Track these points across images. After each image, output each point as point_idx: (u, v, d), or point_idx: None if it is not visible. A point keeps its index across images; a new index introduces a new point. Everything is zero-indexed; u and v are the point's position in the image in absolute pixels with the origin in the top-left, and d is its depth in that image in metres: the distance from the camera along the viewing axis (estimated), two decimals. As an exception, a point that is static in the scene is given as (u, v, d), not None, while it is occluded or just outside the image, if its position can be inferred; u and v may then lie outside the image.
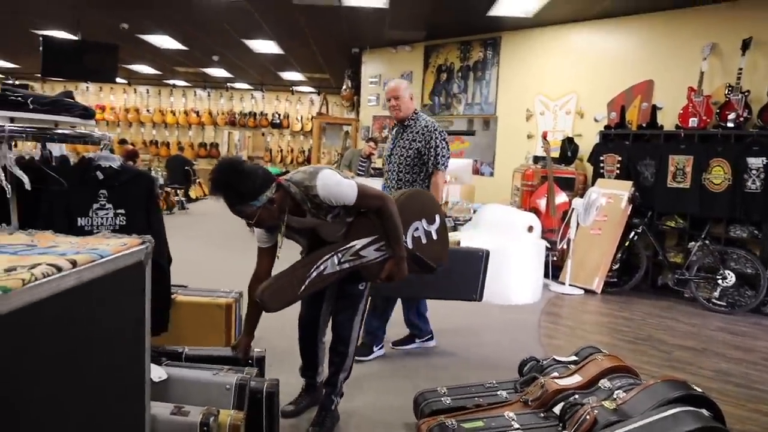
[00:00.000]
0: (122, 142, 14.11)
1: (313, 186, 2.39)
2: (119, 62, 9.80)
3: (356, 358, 3.35)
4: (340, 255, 2.54)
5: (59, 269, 1.23)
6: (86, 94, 16.67)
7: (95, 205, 2.51)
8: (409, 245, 2.84)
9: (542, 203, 6.76)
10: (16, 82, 15.76)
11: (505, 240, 5.49)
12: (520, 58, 8.04)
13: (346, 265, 2.57)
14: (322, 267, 2.50)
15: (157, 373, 2.16)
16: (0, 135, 2.13)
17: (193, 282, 3.85)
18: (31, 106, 2.30)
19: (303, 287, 2.47)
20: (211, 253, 7.36)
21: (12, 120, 2.29)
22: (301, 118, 16.33)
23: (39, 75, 9.88)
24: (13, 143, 2.35)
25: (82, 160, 2.52)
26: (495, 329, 4.75)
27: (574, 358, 2.93)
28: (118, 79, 15.35)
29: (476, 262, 3.96)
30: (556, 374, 2.76)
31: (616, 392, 2.37)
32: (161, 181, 12.00)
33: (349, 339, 2.81)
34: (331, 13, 7.68)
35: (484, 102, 8.48)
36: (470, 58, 8.61)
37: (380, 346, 3.94)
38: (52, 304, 1.20)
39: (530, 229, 5.72)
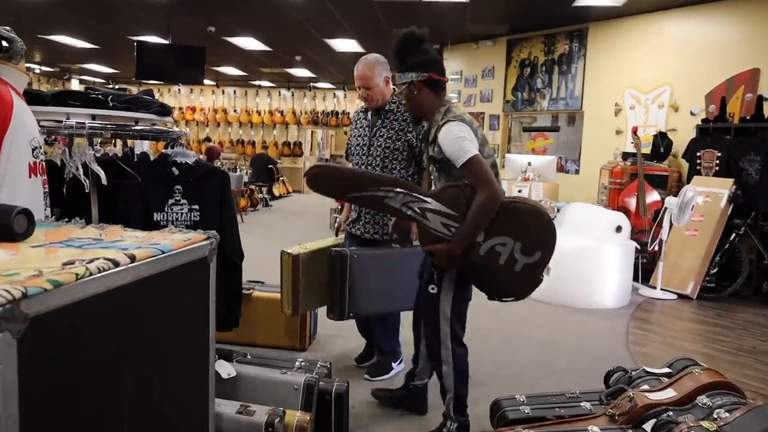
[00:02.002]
0: (207, 140, 14.67)
1: (445, 122, 2.34)
2: (207, 64, 10.15)
3: (373, 378, 3.37)
4: (410, 198, 2.34)
5: (116, 264, 1.20)
6: (178, 96, 17.45)
7: (170, 201, 2.54)
8: (480, 252, 2.38)
9: (632, 202, 6.38)
10: (116, 86, 16.74)
11: (592, 240, 5.22)
12: (609, 50, 7.64)
13: (407, 212, 2.36)
14: (386, 193, 2.34)
15: (226, 370, 2.14)
16: (80, 132, 2.17)
17: (270, 279, 3.86)
18: (110, 104, 2.34)
19: (353, 195, 2.40)
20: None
21: (93, 117, 2.34)
22: (382, 116, 16.33)
23: (134, 78, 10.32)
24: (98, 140, 2.42)
25: (159, 156, 2.56)
26: (578, 334, 4.50)
27: (667, 370, 2.69)
28: (206, 81, 15.97)
29: None
30: (646, 387, 2.54)
31: (716, 411, 2.14)
32: (246, 179, 12.36)
33: (439, 356, 2.55)
34: (411, 8, 7.59)
35: (569, 97, 8.13)
36: (555, 51, 8.28)
37: (399, 360, 3.50)
38: (108, 299, 1.17)
39: (619, 229, 5.40)
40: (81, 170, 2.23)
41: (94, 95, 2.31)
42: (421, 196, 2.36)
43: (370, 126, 3.23)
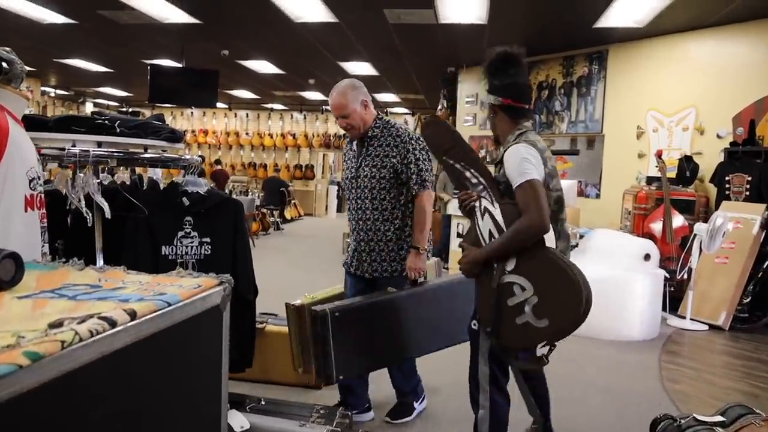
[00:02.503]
0: (217, 162, 14.62)
1: (514, 143, 2.29)
2: (220, 88, 10.09)
3: (395, 420, 3.12)
4: (486, 194, 2.28)
5: (113, 324, 1.02)
6: (191, 119, 17.46)
7: (180, 233, 2.37)
8: (500, 281, 2.19)
9: (657, 228, 6.15)
10: (130, 110, 16.78)
11: (620, 269, 4.98)
12: (630, 72, 7.46)
13: (474, 202, 2.31)
14: (472, 177, 2.35)
15: (239, 422, 1.94)
16: (84, 159, 2.01)
17: (284, 310, 3.66)
18: (118, 130, 2.18)
19: (447, 157, 2.43)
20: (303, 276, 7.26)
21: (99, 144, 2.18)
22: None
23: (147, 102, 10.28)
24: (102, 168, 2.25)
25: (169, 185, 2.39)
26: (609, 370, 4.26)
27: (720, 418, 2.45)
28: (219, 104, 15.97)
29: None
30: (699, 439, 2.30)
31: (786, 473, 1.91)
32: (257, 202, 12.23)
33: (477, 400, 2.42)
34: (427, 31, 7.48)
35: (589, 119, 7.94)
36: (574, 73, 8.11)
37: (422, 398, 3.25)
38: (102, 366, 0.98)
39: (647, 257, 5.16)
40: (83, 202, 2.06)
41: (100, 120, 2.16)
42: (493, 198, 2.28)
43: (356, 156, 2.99)
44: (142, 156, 2.26)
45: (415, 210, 2.86)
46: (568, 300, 2.08)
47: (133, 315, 1.08)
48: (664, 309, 5.59)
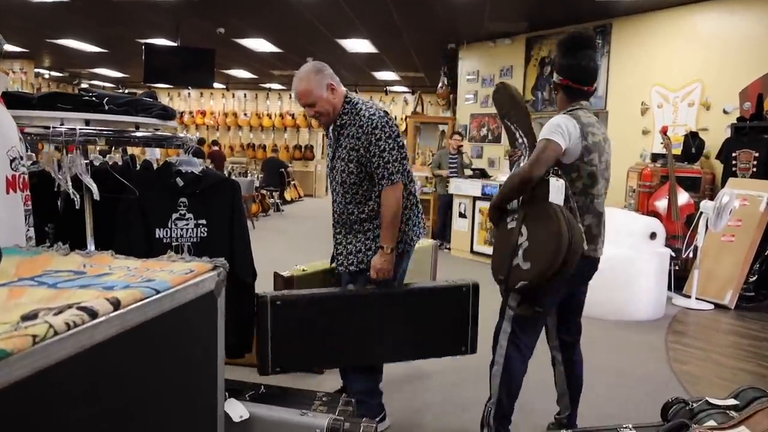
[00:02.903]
0: (214, 143, 14.47)
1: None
2: (217, 67, 9.92)
3: None
4: (526, 156, 2.57)
5: (93, 314, 0.92)
6: (188, 99, 17.27)
7: (174, 215, 2.27)
8: (507, 226, 2.49)
9: (662, 206, 6.05)
10: (125, 91, 16.57)
11: (625, 248, 4.89)
12: (634, 46, 7.31)
13: (513, 158, 2.74)
14: (521, 138, 2.64)
15: (238, 411, 1.86)
16: (70, 139, 1.91)
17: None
18: (106, 107, 2.07)
19: (508, 118, 2.70)
20: (304, 257, 7.16)
21: (87, 123, 2.07)
22: (396, 118, 16.08)
23: (143, 82, 10.11)
24: (93, 148, 2.15)
25: (162, 166, 2.29)
26: (616, 351, 4.19)
27: (733, 401, 2.37)
28: (217, 85, 15.77)
29: (462, 300, 2.79)
30: (713, 423, 2.22)
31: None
32: (257, 183, 12.12)
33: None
34: (426, 5, 7.31)
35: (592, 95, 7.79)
36: (577, 48, 7.94)
37: (380, 417, 2.78)
38: (83, 360, 0.90)
39: (653, 236, 5.07)
40: (70, 183, 1.96)
41: (87, 97, 2.05)
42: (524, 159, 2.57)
43: (330, 146, 2.73)
44: (132, 135, 2.15)
45: (381, 206, 2.54)
46: (549, 247, 2.21)
47: (116, 304, 0.98)
48: (669, 288, 5.51)
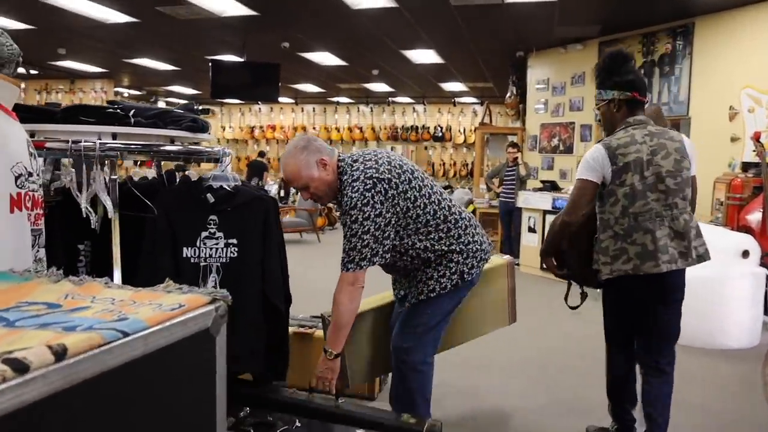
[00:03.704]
0: (260, 154, 14.60)
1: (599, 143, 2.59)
2: (284, 82, 9.99)
3: None
4: None
5: (22, 369, 0.74)
6: (259, 115, 17.60)
7: (203, 234, 2.12)
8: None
9: (755, 220, 5.49)
10: (200, 107, 17.06)
11: (712, 268, 4.40)
12: (721, 46, 6.75)
13: None
14: None
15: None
16: (90, 154, 1.78)
17: None
18: (132, 120, 1.95)
19: None
20: (368, 275, 6.99)
21: (115, 136, 1.96)
22: (464, 130, 15.78)
23: (211, 98, 10.31)
24: (119, 162, 2.03)
25: (185, 180, 2.15)
26: (702, 385, 3.75)
27: None
28: (285, 99, 16.01)
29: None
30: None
31: None
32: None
33: None
34: (493, 12, 7.03)
35: (672, 101, 7.27)
36: (655, 51, 7.45)
37: None
38: (6, 426, 0.72)
39: (746, 254, 4.57)
40: (86, 200, 1.83)
41: (111, 110, 1.93)
42: None
43: None
44: (160, 149, 2.02)
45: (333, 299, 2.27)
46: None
47: (61, 354, 0.80)
48: (765, 313, 4.95)
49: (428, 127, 16.18)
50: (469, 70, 11.29)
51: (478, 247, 2.42)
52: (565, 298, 2.83)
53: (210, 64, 8.95)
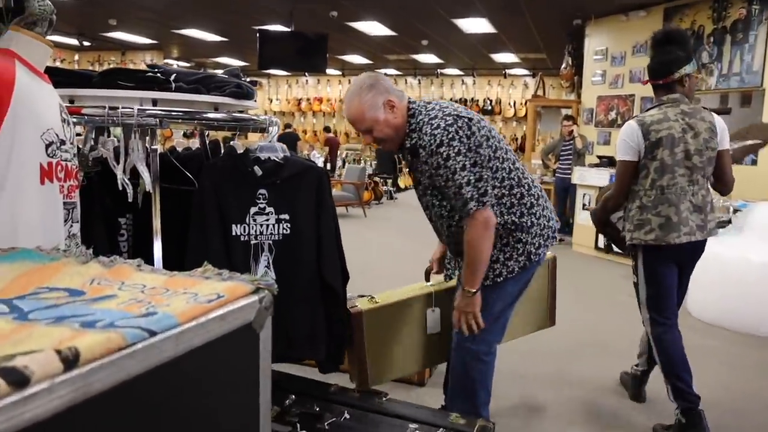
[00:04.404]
0: (326, 129, 14.46)
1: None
2: (332, 53, 9.80)
3: None
4: None
5: (22, 382, 0.59)
6: (306, 87, 17.50)
7: (253, 209, 1.98)
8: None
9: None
10: (248, 79, 17.03)
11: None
12: (802, 12, 6.22)
13: None
14: None
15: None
16: (127, 120, 1.65)
17: (388, 286, 3.18)
18: (173, 85, 1.80)
19: None
20: (415, 248, 6.83)
21: (155, 102, 1.82)
22: (514, 103, 15.33)
23: (258, 69, 10.20)
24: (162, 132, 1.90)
25: (231, 152, 2.00)
26: (742, 370, 3.47)
27: None
28: (332, 71, 15.83)
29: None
30: None
31: None
32: (369, 171, 11.95)
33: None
34: (551, -23, 6.65)
35: (745, 71, 6.77)
36: (727, 17, 6.93)
37: None
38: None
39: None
40: (123, 171, 1.71)
41: (151, 73, 1.79)
42: None
43: (411, 168, 2.22)
44: (202, 116, 1.87)
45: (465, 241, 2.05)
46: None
47: (71, 361, 0.65)
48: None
49: (477, 100, 15.79)
50: (522, 39, 10.86)
51: (546, 223, 2.19)
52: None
53: (257, 34, 8.81)
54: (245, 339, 0.96)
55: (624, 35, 8.37)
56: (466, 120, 2.00)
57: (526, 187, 2.15)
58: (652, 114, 2.67)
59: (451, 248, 2.31)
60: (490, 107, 15.50)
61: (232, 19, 9.70)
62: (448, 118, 1.99)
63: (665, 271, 2.71)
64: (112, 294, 0.93)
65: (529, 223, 2.13)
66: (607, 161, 7.44)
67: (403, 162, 2.29)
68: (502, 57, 13.10)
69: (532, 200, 2.15)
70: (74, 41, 12.14)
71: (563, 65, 10.08)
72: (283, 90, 17.80)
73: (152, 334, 0.76)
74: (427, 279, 2.61)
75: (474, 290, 2.07)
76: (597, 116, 8.87)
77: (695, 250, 2.72)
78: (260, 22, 9.65)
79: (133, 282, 1.01)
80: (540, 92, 12.44)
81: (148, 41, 12.28)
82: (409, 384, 3.09)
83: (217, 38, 11.53)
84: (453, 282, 2.51)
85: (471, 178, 1.97)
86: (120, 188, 1.76)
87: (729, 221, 5.12)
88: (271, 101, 17.79)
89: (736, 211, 5.11)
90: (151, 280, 1.02)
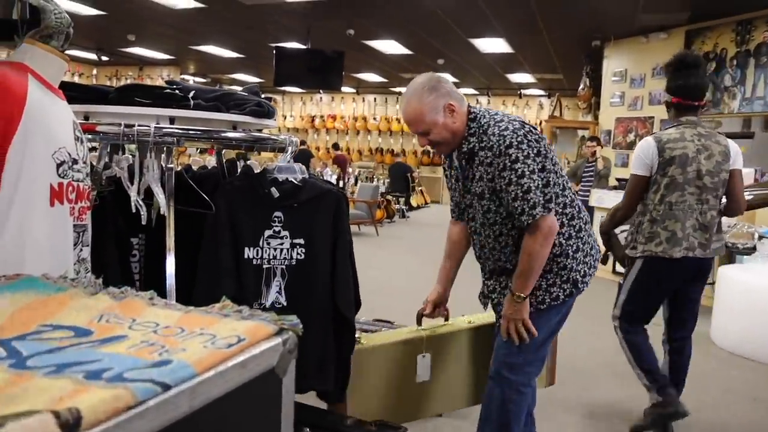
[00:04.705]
0: (335, 147, 14.45)
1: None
2: (347, 71, 9.78)
3: None
4: None
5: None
6: (320, 104, 17.53)
7: (267, 233, 1.89)
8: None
9: None
10: (263, 96, 17.11)
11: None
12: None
13: None
14: None
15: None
16: (144, 138, 1.57)
17: (402, 305, 3.03)
18: (191, 103, 1.73)
19: None
20: (428, 269, 6.72)
21: (172, 120, 1.74)
22: (529, 122, 15.24)
23: (274, 86, 10.20)
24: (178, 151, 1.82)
25: (248, 172, 1.92)
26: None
27: None
28: (347, 89, 15.84)
29: None
30: None
31: None
32: (382, 189, 11.88)
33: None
34: (571, -3, 6.60)
35: (769, 95, 6.65)
36: (751, 41, 6.83)
37: None
38: None
39: None
40: (136, 192, 1.63)
41: (169, 90, 1.72)
42: None
43: (458, 178, 2.13)
44: (221, 135, 1.79)
45: (522, 248, 1.95)
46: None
47: (71, 425, 0.56)
48: None
49: (492, 120, 15.73)
50: (539, 60, 10.79)
51: (589, 251, 2.10)
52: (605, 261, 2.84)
53: (274, 51, 8.81)
54: (267, 386, 0.87)
55: (644, 57, 8.29)
56: (531, 127, 2.00)
57: (577, 209, 2.08)
58: (670, 133, 2.76)
59: (488, 264, 2.15)
60: (504, 127, 15.42)
61: (249, 36, 9.72)
62: (515, 122, 1.96)
63: (655, 288, 2.84)
64: (123, 335, 0.84)
65: (575, 248, 2.04)
66: (626, 184, 7.31)
67: (445, 171, 2.20)
68: (517, 77, 13.04)
69: (581, 223, 2.07)
70: (92, 56, 12.23)
71: (581, 86, 10.00)
72: (297, 107, 17.84)
73: (166, 388, 0.67)
74: (419, 322, 2.38)
75: (524, 296, 1.97)
76: (615, 138, 8.77)
77: (697, 268, 2.78)
78: (277, 39, 9.66)
79: (146, 319, 0.92)
80: (557, 113, 12.36)
81: (165, 57, 12.35)
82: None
83: (234, 55, 11.57)
84: (448, 326, 2.47)
85: (539, 182, 1.90)
86: (133, 210, 1.68)
87: (754, 248, 4.97)
88: (285, 118, 17.82)
89: (761, 237, 4.96)
90: (164, 318, 0.93)
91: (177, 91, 1.73)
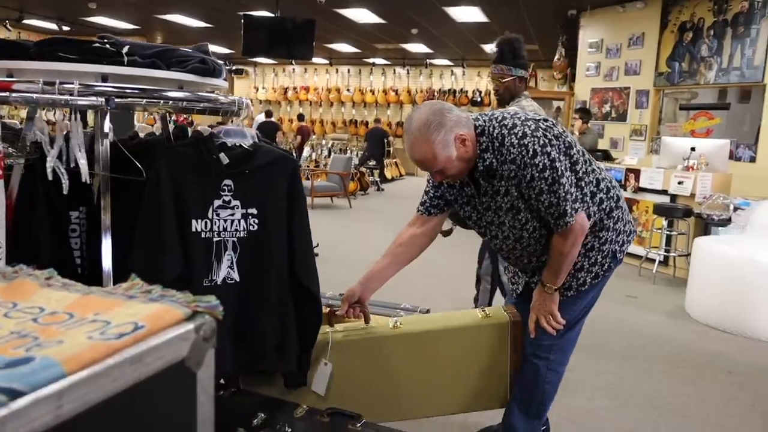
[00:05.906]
0: (300, 117, 14.26)
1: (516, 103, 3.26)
2: (319, 41, 9.50)
3: None
4: None
5: None
6: (293, 75, 17.17)
7: (216, 202, 1.72)
8: None
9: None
10: (234, 67, 16.65)
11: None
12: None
13: None
14: None
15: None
16: (70, 99, 1.39)
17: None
18: (125, 59, 1.54)
19: None
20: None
21: (104, 78, 1.55)
22: (533, 113, 15.11)
23: (242, 55, 9.88)
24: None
25: (198, 137, 1.75)
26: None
27: None
28: (320, 60, 15.52)
29: None
30: None
31: None
32: (356, 160, 11.70)
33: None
34: (547, -37, 6.41)
35: (745, 66, 6.59)
36: (728, 10, 6.74)
37: None
38: None
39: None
40: (54, 158, 1.44)
41: (99, 44, 1.53)
42: None
43: (475, 195, 1.97)
44: (160, 95, 1.60)
45: (552, 246, 1.91)
46: None
47: None
48: None
49: (466, 91, 15.60)
50: (514, 30, 10.37)
51: (628, 219, 2.09)
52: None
53: (242, 19, 8.49)
54: (175, 382, 0.71)
55: (620, 27, 8.18)
56: (543, 120, 1.85)
57: (609, 181, 2.03)
58: (523, 105, 3.15)
59: (519, 265, 2.14)
60: (479, 99, 15.27)
61: (217, 5, 9.37)
62: (528, 123, 1.80)
63: None
64: (59, 341, 0.68)
65: (616, 218, 2.01)
66: (602, 155, 7.25)
67: (447, 190, 2.09)
68: (492, 47, 12.85)
69: (618, 193, 2.04)
70: (53, 26, 11.72)
71: (556, 57, 9.87)
72: (269, 78, 17.45)
73: (14, 395, 0.51)
74: (330, 323, 2.07)
75: (556, 288, 1.96)
76: (591, 109, 8.68)
77: None
78: (246, 8, 9.33)
79: (31, 304, 0.76)
80: (532, 84, 12.20)
81: (130, 26, 11.90)
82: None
83: (202, 24, 11.19)
84: (365, 329, 2.07)
85: (572, 181, 1.83)
86: (50, 178, 1.50)
87: (729, 219, 4.94)
88: (257, 90, 17.44)
89: (736, 209, 4.92)
90: (56, 302, 0.77)
91: (108, 46, 1.54)
